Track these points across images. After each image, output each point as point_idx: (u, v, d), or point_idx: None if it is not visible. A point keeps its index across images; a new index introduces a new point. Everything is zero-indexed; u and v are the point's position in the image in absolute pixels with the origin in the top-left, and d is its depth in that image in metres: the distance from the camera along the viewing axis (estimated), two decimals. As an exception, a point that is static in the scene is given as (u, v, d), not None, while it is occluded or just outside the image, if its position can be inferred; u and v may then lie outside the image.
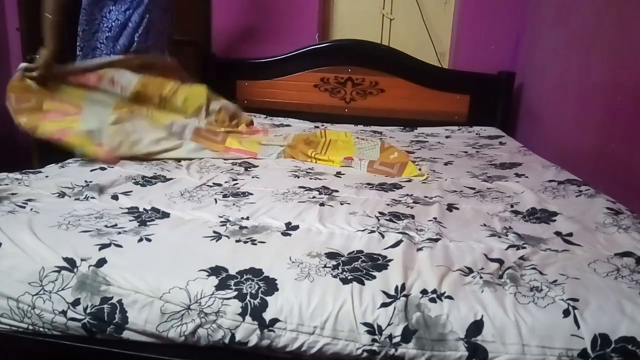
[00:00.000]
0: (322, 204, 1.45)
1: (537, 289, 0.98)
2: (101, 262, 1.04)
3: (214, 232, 1.21)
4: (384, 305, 0.94)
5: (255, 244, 1.15)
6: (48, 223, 1.20)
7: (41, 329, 1.02)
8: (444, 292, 0.96)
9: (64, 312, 1.00)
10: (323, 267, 1.04)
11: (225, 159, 1.99)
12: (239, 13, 3.08)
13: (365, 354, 0.93)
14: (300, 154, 2.06)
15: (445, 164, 2.06)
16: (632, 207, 1.44)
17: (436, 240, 1.20)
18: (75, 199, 1.41)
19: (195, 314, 0.96)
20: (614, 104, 1.86)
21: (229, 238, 1.18)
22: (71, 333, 1.01)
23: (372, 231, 1.25)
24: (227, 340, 0.95)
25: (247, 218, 1.32)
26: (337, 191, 1.61)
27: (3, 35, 3.01)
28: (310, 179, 1.76)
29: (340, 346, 0.93)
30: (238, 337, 0.95)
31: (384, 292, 0.96)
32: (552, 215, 1.41)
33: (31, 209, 1.29)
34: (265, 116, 2.89)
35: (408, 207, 1.47)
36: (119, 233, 1.17)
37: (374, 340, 0.92)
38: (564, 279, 1.02)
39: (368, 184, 1.72)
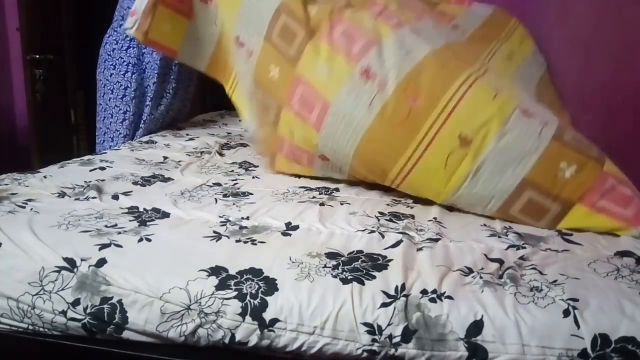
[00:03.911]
0: (322, 204, 1.44)
1: (537, 289, 0.98)
2: (101, 262, 1.04)
3: (214, 232, 1.21)
4: (384, 305, 0.94)
5: (255, 244, 1.15)
6: (48, 223, 1.20)
7: (41, 329, 1.02)
8: (444, 292, 0.96)
9: (64, 312, 1.00)
10: (323, 267, 1.04)
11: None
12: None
13: (365, 354, 0.93)
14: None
15: (445, 164, 2.06)
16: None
17: (436, 240, 1.20)
18: (75, 199, 1.41)
19: (195, 314, 0.96)
20: (614, 104, 1.86)
21: (229, 238, 1.18)
22: (71, 333, 1.01)
23: (372, 231, 1.25)
24: (227, 340, 0.95)
25: (247, 218, 1.32)
26: (337, 191, 1.61)
27: (3, 35, 3.02)
28: (311, 178, 1.75)
29: (340, 346, 0.93)
30: (238, 337, 0.95)
31: (384, 292, 0.96)
32: (552, 215, 1.41)
33: (31, 209, 1.29)
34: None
35: (408, 207, 1.47)
36: (119, 233, 1.17)
37: (374, 340, 0.92)
38: (564, 279, 1.02)
39: (369, 183, 1.71)
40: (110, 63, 2.33)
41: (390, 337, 0.92)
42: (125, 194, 1.48)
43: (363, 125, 1.40)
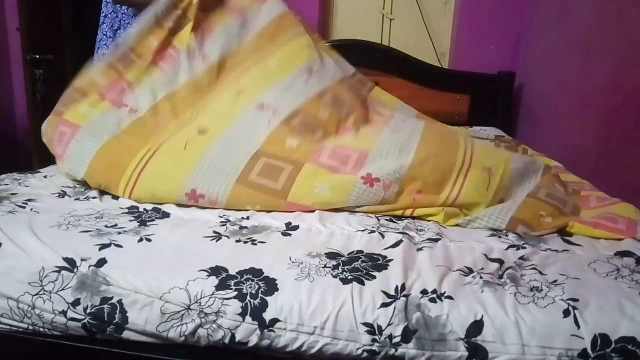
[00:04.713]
0: (322, 204, 1.44)
1: (537, 289, 0.98)
2: (101, 262, 1.04)
3: (214, 232, 1.21)
4: (384, 305, 0.94)
5: (255, 244, 1.15)
6: (48, 223, 1.20)
7: (41, 329, 1.02)
8: (444, 292, 0.96)
9: (64, 312, 1.00)
10: (323, 267, 1.04)
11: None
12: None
13: (365, 354, 0.93)
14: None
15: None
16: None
17: (436, 240, 1.20)
18: (76, 199, 1.41)
19: (195, 314, 0.96)
20: (614, 104, 1.86)
21: (229, 238, 1.18)
22: (71, 333, 1.01)
23: (372, 231, 1.25)
24: (227, 340, 0.95)
25: (247, 218, 1.32)
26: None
27: (3, 35, 3.02)
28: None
29: (340, 346, 0.93)
30: (238, 337, 0.95)
31: (384, 292, 0.96)
32: (552, 215, 1.41)
33: (31, 209, 1.29)
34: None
35: (408, 207, 1.47)
36: (119, 233, 1.17)
37: (374, 340, 0.92)
38: (564, 279, 1.02)
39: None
40: None
41: (390, 337, 0.92)
42: (125, 194, 1.48)
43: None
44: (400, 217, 1.37)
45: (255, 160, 1.45)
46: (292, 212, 1.38)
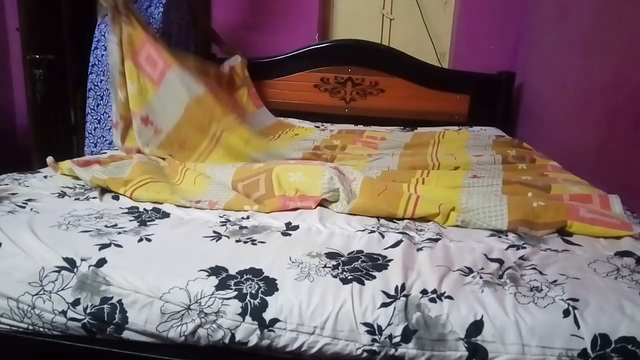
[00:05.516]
0: (322, 204, 1.44)
1: (537, 289, 0.98)
2: (101, 262, 1.04)
3: (214, 232, 1.21)
4: (384, 305, 0.94)
5: (255, 244, 1.15)
6: (48, 223, 1.20)
7: (41, 329, 1.02)
8: (444, 292, 0.96)
9: (64, 312, 1.00)
10: (323, 267, 1.04)
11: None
12: (239, 13, 3.08)
13: (365, 354, 0.93)
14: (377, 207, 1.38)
15: (445, 164, 2.05)
16: (632, 207, 1.44)
17: (436, 240, 1.20)
18: (75, 199, 1.42)
19: (195, 314, 0.96)
20: (614, 104, 1.86)
21: (229, 238, 1.18)
22: (71, 333, 1.01)
23: (372, 231, 1.25)
24: (227, 340, 0.95)
25: (247, 218, 1.32)
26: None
27: (3, 35, 3.02)
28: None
29: (340, 346, 0.93)
30: (238, 337, 0.95)
31: (384, 292, 0.96)
32: (552, 215, 1.41)
33: (31, 209, 1.29)
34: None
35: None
36: (119, 233, 1.17)
37: (374, 340, 0.92)
38: (564, 279, 1.02)
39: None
40: (100, 69, 2.24)
41: (390, 337, 0.92)
42: (126, 194, 1.48)
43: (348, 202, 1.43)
44: (400, 218, 1.37)
45: (235, 187, 1.53)
46: (292, 210, 1.39)
